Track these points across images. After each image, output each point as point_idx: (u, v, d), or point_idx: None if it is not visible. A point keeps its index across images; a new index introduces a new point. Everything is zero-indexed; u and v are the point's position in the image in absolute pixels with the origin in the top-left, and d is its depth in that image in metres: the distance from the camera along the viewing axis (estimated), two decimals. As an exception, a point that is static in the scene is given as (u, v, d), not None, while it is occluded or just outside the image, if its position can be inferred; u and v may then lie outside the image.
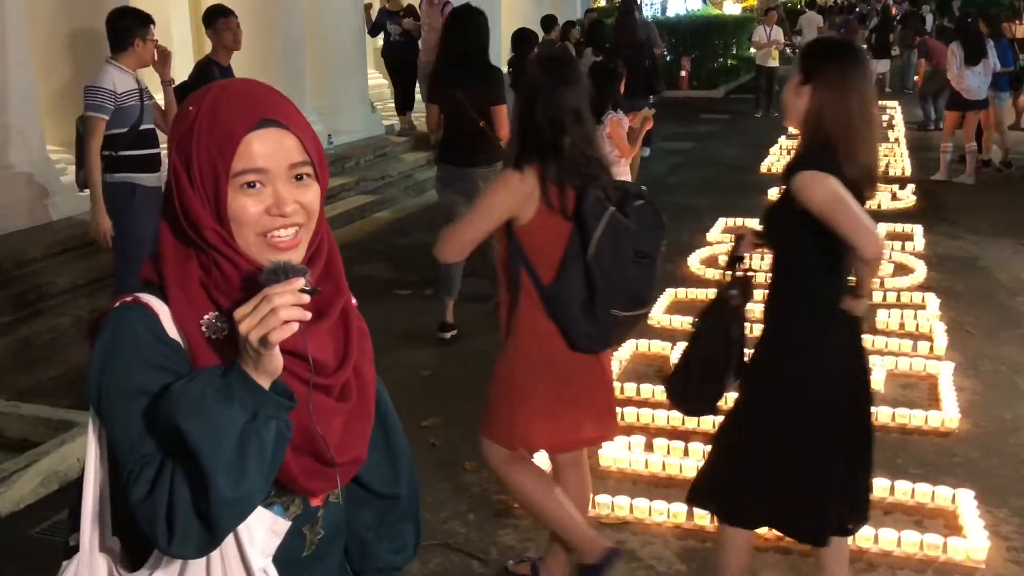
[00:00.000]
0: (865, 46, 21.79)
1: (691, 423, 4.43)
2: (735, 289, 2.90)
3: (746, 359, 2.91)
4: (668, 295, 6.36)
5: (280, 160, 1.32)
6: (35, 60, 6.70)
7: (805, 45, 2.89)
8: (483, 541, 3.64)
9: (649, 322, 5.72)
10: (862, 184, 2.68)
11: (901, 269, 7.06)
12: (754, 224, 3.01)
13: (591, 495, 3.33)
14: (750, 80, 18.40)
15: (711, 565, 3.21)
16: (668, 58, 18.24)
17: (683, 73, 18.97)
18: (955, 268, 7.27)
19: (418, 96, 11.37)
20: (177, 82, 5.41)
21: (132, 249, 4.83)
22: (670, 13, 29.47)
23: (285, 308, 1.20)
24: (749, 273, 2.97)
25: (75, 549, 1.38)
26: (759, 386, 2.85)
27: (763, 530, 3.31)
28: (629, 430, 4.37)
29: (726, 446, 2.98)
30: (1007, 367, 5.33)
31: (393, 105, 11.86)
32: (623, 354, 5.31)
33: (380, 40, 11.92)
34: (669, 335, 5.61)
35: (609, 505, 3.76)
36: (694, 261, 7.28)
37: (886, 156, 11.88)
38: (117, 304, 1.35)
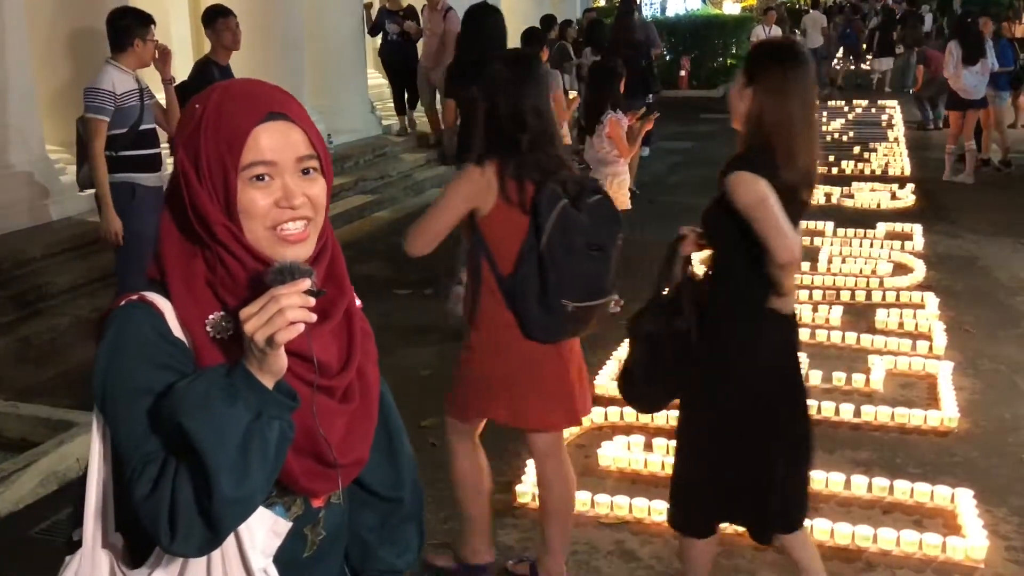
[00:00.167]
0: (865, 46, 21.84)
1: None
2: (684, 292, 2.88)
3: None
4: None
5: (288, 153, 1.33)
6: (35, 60, 6.70)
7: (751, 47, 2.90)
8: (483, 541, 3.64)
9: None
10: (799, 187, 2.72)
11: (900, 268, 7.07)
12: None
13: (575, 490, 3.33)
14: (750, 80, 18.34)
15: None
16: (668, 58, 18.23)
17: (683, 73, 18.96)
18: (954, 267, 7.27)
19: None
20: (177, 82, 5.42)
21: (133, 249, 4.84)
22: (670, 13, 29.46)
23: (292, 309, 1.20)
24: (690, 276, 2.96)
25: (78, 544, 1.38)
26: (697, 387, 2.87)
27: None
28: (629, 430, 4.38)
29: (676, 450, 3.04)
30: (1006, 366, 5.33)
31: (392, 105, 11.85)
32: (622, 354, 5.31)
33: (379, 40, 11.91)
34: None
35: (608, 505, 3.77)
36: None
37: (886, 156, 11.90)
38: (123, 302, 1.35)
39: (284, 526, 1.38)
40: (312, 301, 1.23)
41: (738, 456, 2.81)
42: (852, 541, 3.53)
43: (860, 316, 6.05)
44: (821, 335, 5.66)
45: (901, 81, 18.76)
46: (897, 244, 7.66)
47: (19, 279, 5.90)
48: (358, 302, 1.48)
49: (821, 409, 4.60)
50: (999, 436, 4.48)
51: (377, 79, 13.01)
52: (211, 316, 1.32)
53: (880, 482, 3.90)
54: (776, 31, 16.11)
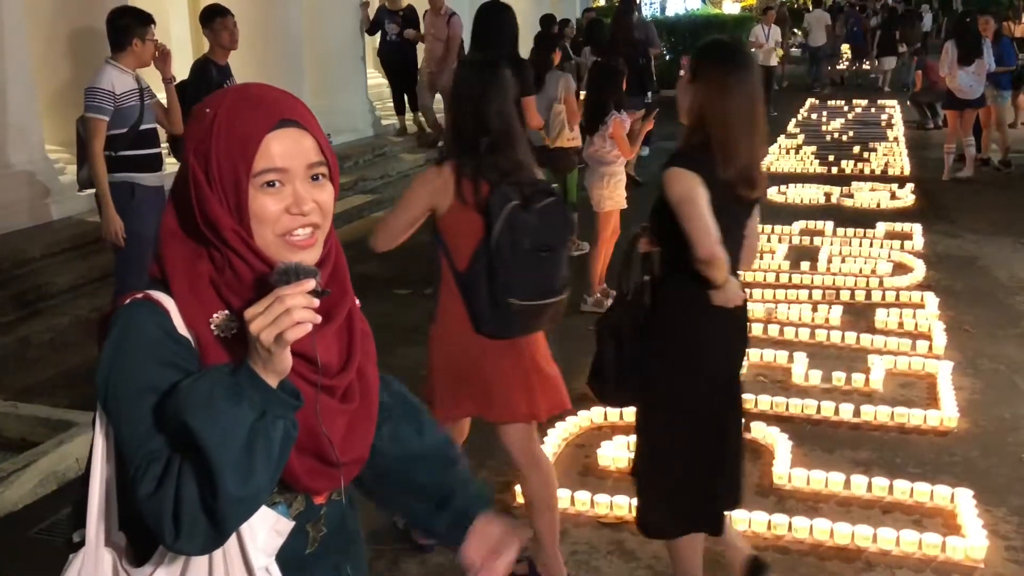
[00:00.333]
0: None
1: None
2: (645, 289, 2.92)
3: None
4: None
5: (299, 160, 1.34)
6: (35, 60, 6.71)
7: (699, 45, 2.91)
8: (483, 540, 3.63)
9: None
10: (737, 185, 2.74)
11: (900, 268, 7.07)
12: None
13: (555, 481, 3.30)
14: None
15: (709, 564, 3.21)
16: (668, 57, 18.23)
17: (682, 72, 18.93)
18: (954, 267, 7.27)
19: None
20: (177, 81, 5.41)
21: (133, 248, 4.84)
22: (669, 12, 29.47)
23: (297, 309, 1.21)
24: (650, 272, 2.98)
25: (79, 545, 1.39)
26: (648, 386, 2.91)
27: (744, 527, 3.42)
28: (628, 430, 4.37)
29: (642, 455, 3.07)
30: (1006, 366, 5.33)
31: (392, 105, 11.85)
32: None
33: (378, 39, 11.90)
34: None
35: (608, 504, 3.77)
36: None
37: (886, 156, 11.90)
38: (128, 300, 1.36)
39: (287, 525, 1.39)
40: (316, 301, 1.24)
41: (690, 452, 2.86)
42: (852, 541, 3.53)
43: (860, 316, 6.06)
44: (821, 335, 5.66)
45: (900, 80, 18.76)
46: (897, 244, 7.66)
47: (19, 279, 5.91)
48: (357, 302, 1.49)
49: (821, 409, 4.61)
50: (999, 436, 4.48)
51: (377, 79, 13.01)
52: (216, 315, 1.33)
53: (880, 482, 3.90)
54: (775, 31, 16.09)
